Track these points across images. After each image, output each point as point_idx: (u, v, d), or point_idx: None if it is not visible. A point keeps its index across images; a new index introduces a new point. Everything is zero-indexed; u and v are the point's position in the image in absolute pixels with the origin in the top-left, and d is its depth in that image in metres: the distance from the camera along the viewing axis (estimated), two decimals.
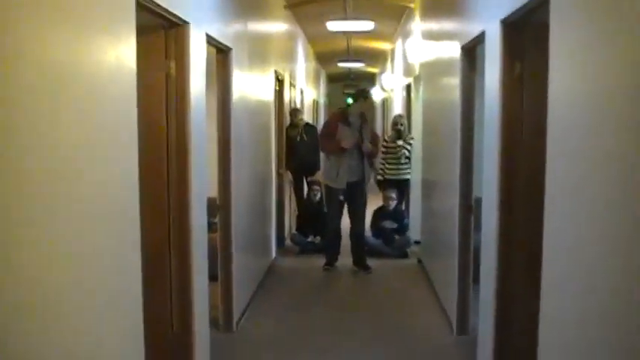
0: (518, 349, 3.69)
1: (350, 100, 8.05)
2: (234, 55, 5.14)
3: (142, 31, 3.03)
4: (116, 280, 2.68)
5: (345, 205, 7.73)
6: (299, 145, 8.99)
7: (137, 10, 2.87)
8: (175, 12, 3.47)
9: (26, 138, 1.90)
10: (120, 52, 2.72)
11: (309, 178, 9.33)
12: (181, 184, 3.77)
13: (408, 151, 8.68)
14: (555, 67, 2.76)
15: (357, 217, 7.68)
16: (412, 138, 8.79)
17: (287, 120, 9.17)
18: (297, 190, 9.57)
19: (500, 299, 3.85)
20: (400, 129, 8.75)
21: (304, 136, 9.04)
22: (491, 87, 3.97)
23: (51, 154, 2.06)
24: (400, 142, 8.67)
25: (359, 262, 7.72)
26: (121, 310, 2.76)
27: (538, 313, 2.93)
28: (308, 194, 8.87)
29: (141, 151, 2.96)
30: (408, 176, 8.84)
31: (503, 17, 3.62)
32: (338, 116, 7.67)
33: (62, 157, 2.15)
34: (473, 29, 4.54)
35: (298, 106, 10.60)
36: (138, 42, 2.91)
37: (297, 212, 9.36)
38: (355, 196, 7.58)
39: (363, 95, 7.69)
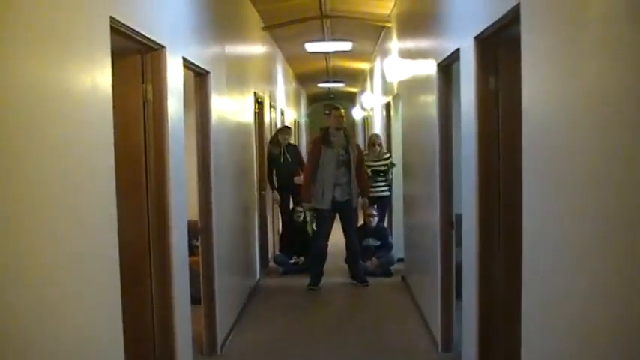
0: None
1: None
2: (212, 78, 5.16)
3: (117, 56, 3.04)
4: (95, 305, 2.66)
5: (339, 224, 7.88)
6: (282, 165, 8.97)
7: (112, 35, 2.88)
8: (151, 36, 3.47)
9: None
10: (95, 77, 2.72)
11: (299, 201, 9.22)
12: (160, 209, 3.76)
13: (388, 168, 8.74)
14: (527, 79, 2.81)
15: (350, 235, 7.80)
16: (389, 155, 8.87)
17: (268, 138, 9.14)
18: (283, 209, 9.47)
19: (482, 314, 3.85)
20: (378, 149, 8.84)
21: (287, 156, 9.02)
22: (467, 103, 4.01)
23: (22, 181, 2.05)
24: (385, 163, 8.76)
25: (356, 276, 7.87)
26: (101, 335, 2.74)
27: (520, 329, 2.94)
28: (291, 215, 8.85)
29: (118, 176, 2.96)
30: (386, 193, 8.88)
31: (476, 34, 3.67)
32: (319, 138, 7.79)
33: (34, 183, 2.13)
34: (448, 47, 4.59)
35: (286, 124, 10.44)
36: (114, 66, 2.92)
37: (280, 233, 9.33)
38: (347, 215, 7.73)
39: (325, 112, 7.79)
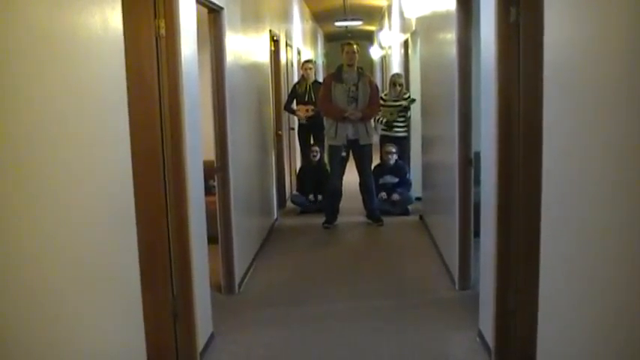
0: (520, 304, 3.68)
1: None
2: (227, 15, 5.05)
3: None
4: (111, 246, 2.66)
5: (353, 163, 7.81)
6: (305, 104, 8.81)
7: None
8: None
9: (9, 102, 1.85)
10: (105, 12, 2.64)
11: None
12: (176, 147, 3.72)
13: (408, 103, 8.63)
14: (550, 10, 2.69)
15: (364, 173, 7.78)
16: (408, 95, 8.77)
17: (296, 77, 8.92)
18: (304, 150, 9.25)
19: (500, 253, 3.82)
20: (399, 89, 8.72)
21: (312, 94, 8.76)
22: (487, 37, 3.89)
23: (35, 120, 2.01)
24: (403, 103, 8.65)
25: (371, 215, 7.87)
26: (118, 277, 2.74)
27: (538, 267, 2.91)
28: (307, 155, 8.79)
29: (132, 115, 2.91)
30: (404, 134, 8.80)
31: None
32: (331, 74, 7.74)
33: (48, 122, 2.09)
34: None
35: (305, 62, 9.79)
36: (125, 1, 2.84)
37: (297, 173, 9.29)
38: (360, 153, 7.68)
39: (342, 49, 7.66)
